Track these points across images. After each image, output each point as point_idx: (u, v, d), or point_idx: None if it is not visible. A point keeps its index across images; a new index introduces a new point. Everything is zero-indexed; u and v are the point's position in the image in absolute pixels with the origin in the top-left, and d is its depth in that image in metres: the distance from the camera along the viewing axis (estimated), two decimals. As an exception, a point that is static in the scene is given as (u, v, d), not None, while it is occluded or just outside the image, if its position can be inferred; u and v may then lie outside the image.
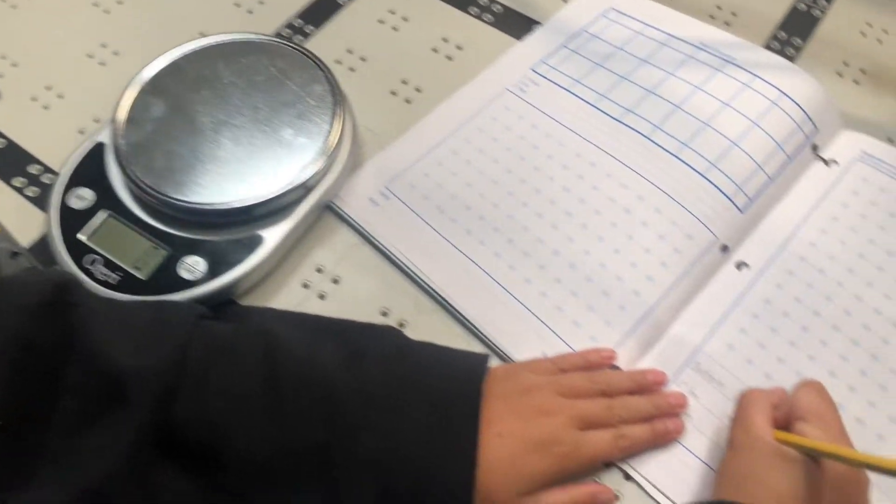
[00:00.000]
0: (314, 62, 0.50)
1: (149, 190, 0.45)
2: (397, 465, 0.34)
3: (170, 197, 0.44)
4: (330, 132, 0.47)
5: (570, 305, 0.43)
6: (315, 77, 0.49)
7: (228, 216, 0.45)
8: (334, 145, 0.47)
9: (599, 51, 0.54)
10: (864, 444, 0.39)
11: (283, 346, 0.37)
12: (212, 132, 0.47)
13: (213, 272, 0.44)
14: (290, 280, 0.47)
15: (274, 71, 0.50)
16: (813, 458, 0.34)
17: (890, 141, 0.52)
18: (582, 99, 0.51)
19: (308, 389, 0.36)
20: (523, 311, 0.43)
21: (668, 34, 0.54)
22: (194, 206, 0.44)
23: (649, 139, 0.48)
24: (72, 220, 0.46)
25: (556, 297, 0.44)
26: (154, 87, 0.49)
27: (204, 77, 0.49)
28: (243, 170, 0.46)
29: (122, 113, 0.47)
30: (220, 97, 0.48)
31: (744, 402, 0.39)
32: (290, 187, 0.45)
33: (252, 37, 0.51)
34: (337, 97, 0.48)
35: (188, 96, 0.48)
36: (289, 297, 0.46)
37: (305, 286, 0.47)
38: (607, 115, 0.50)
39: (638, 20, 0.55)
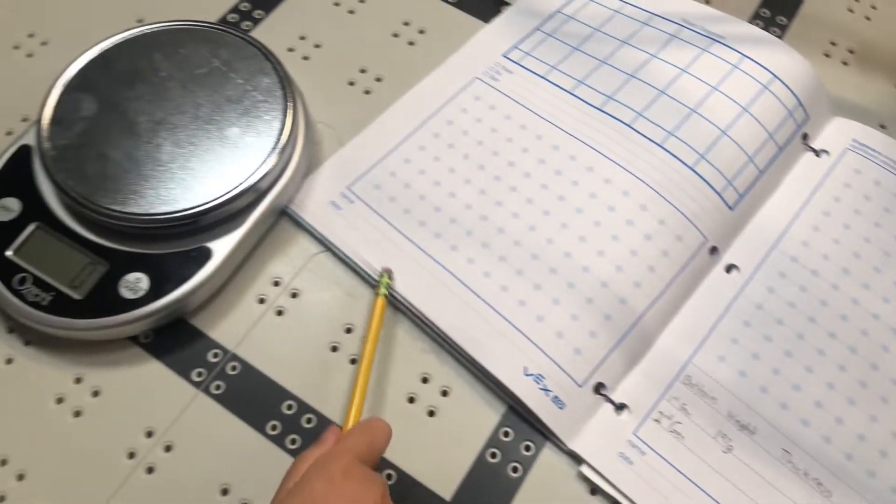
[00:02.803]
0: (261, 51, 0.45)
1: (81, 199, 0.40)
2: None
3: (105, 207, 0.40)
4: (282, 129, 0.42)
5: (552, 314, 0.40)
6: (262, 68, 0.44)
7: (172, 226, 0.40)
8: (286, 143, 0.42)
9: (576, 33, 0.50)
10: (866, 461, 0.36)
11: None
12: (149, 133, 0.42)
13: (157, 289, 0.40)
14: (244, 295, 0.42)
15: (217, 63, 0.45)
16: None
17: (882, 128, 0.49)
18: (559, 86, 0.47)
19: None
20: (500, 321, 0.40)
21: (649, 12, 0.50)
22: (133, 216, 0.40)
23: (632, 128, 0.45)
24: (-4, 234, 0.41)
25: (535, 305, 0.40)
26: (83, 83, 0.44)
27: (138, 70, 0.44)
28: (186, 175, 0.41)
29: (48, 112, 0.42)
30: (157, 93, 0.43)
31: None
32: (238, 192, 0.41)
33: (191, 24, 0.46)
34: (287, 90, 0.44)
35: (121, 92, 0.43)
36: (244, 314, 0.42)
37: (261, 301, 0.42)
38: (587, 103, 0.46)
39: (616, -2, 0.51)
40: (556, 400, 0.38)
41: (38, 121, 0.42)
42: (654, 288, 0.41)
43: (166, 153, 0.41)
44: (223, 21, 0.52)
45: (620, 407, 0.39)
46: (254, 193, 0.42)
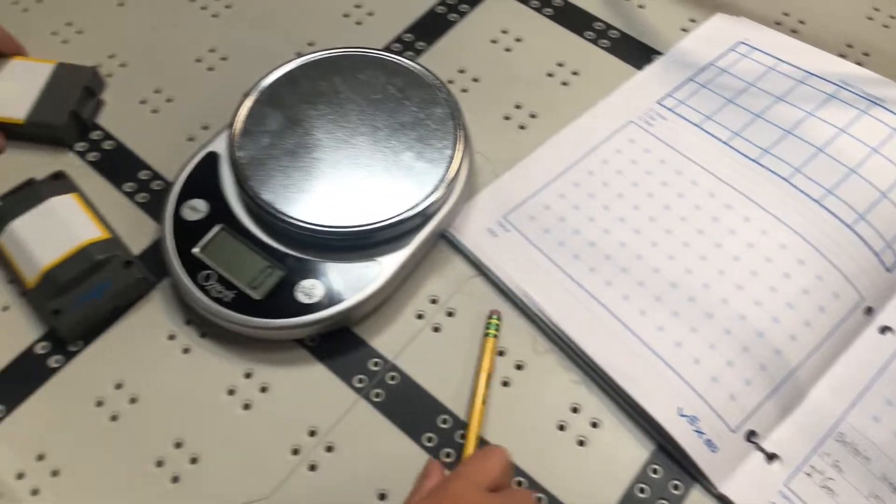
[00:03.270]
0: (434, 82, 0.48)
1: (268, 207, 0.43)
2: None
3: (289, 216, 0.43)
4: (452, 158, 0.45)
5: (708, 358, 0.41)
6: (434, 98, 0.47)
7: (348, 240, 0.43)
8: (455, 172, 0.45)
9: (730, 86, 0.51)
10: None
11: None
12: (331, 150, 0.45)
13: (330, 297, 0.42)
14: (404, 310, 0.45)
15: (392, 89, 0.48)
16: None
17: None
18: (714, 136, 0.49)
19: None
20: (655, 360, 0.41)
21: (805, 71, 0.51)
22: (314, 227, 0.42)
23: (790, 183, 0.46)
24: (185, 232, 0.44)
25: (691, 347, 0.41)
26: (270, 98, 0.47)
27: (320, 91, 0.47)
28: (363, 192, 0.44)
29: (239, 124, 0.46)
30: (339, 113, 0.46)
31: None
32: (410, 213, 0.43)
33: (371, 52, 0.49)
34: (458, 121, 0.46)
35: (305, 110, 0.46)
36: (403, 327, 0.44)
37: (419, 317, 0.45)
38: (742, 154, 0.47)
39: (770, 55, 0.52)
40: (708, 443, 0.39)
41: (230, 131, 0.45)
42: (809, 342, 0.41)
43: (345, 171, 0.44)
44: (387, 50, 0.56)
45: (771, 457, 0.39)
46: (422, 216, 0.44)
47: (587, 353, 0.41)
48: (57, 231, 0.45)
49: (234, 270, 0.43)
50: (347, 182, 0.44)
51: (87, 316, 0.43)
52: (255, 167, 0.44)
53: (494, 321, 0.43)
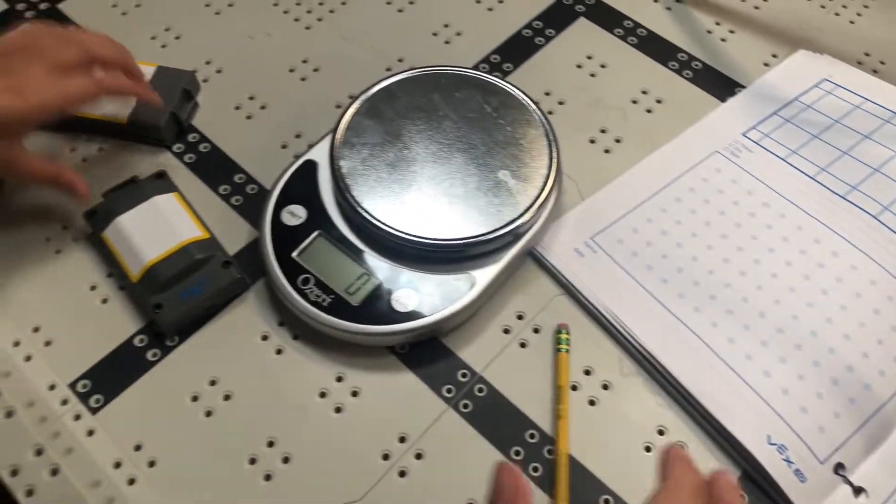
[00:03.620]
0: (528, 104, 0.49)
1: (368, 217, 0.44)
2: None
3: (390, 227, 0.44)
4: (547, 178, 0.46)
5: (797, 389, 0.41)
6: (529, 119, 0.48)
7: (444, 252, 0.44)
8: (548, 191, 0.46)
9: (815, 122, 0.52)
10: None
11: None
12: (428, 164, 0.46)
13: (424, 307, 0.43)
14: (490, 324, 0.46)
15: (488, 108, 0.49)
16: None
17: None
18: (800, 170, 0.49)
19: None
20: (744, 388, 0.41)
21: (892, 111, 0.52)
22: (413, 238, 0.43)
23: (878, 220, 0.46)
24: (283, 236, 0.46)
25: (780, 378, 0.41)
26: (369, 111, 0.49)
27: (419, 106, 0.49)
28: (459, 207, 0.45)
29: (340, 134, 0.47)
30: (436, 129, 0.48)
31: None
32: (505, 230, 0.44)
33: (467, 71, 0.50)
34: (552, 142, 0.47)
35: (403, 124, 0.48)
36: (490, 340, 0.45)
37: (506, 331, 0.45)
38: (829, 189, 0.48)
39: (856, 93, 0.53)
40: (797, 473, 0.39)
41: (332, 141, 0.47)
42: (899, 378, 0.41)
43: (442, 185, 0.45)
44: (475, 70, 0.57)
45: (859, 490, 0.39)
46: (514, 233, 0.45)
47: (676, 377, 0.42)
48: (160, 228, 0.46)
49: (332, 276, 0.44)
50: (444, 196, 0.45)
51: (185, 312, 0.44)
52: (356, 177, 0.46)
53: (564, 335, 0.44)
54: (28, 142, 0.44)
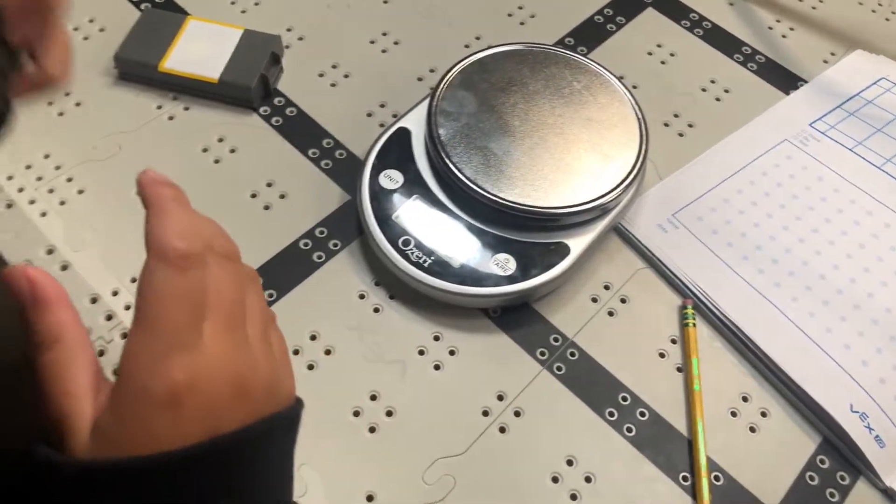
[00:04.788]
0: (616, 83, 0.51)
1: (468, 182, 0.45)
2: None
3: (490, 192, 0.45)
4: (638, 153, 0.48)
5: (875, 360, 0.43)
6: (618, 98, 0.50)
7: (542, 220, 0.45)
8: (639, 167, 0.48)
9: (877, 116, 0.55)
10: None
11: None
12: (522, 136, 0.48)
13: (523, 272, 0.45)
14: (579, 292, 0.47)
15: (577, 86, 0.51)
16: None
17: None
18: (866, 160, 0.52)
19: None
20: (826, 359, 0.44)
21: (948, 110, 0.55)
22: (512, 204, 0.45)
23: (943, 209, 0.49)
24: (382, 199, 0.47)
25: (859, 350, 0.44)
26: (463, 83, 0.50)
27: (511, 80, 0.50)
28: (553, 177, 0.46)
29: (438, 103, 0.49)
30: (529, 103, 0.49)
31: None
32: (597, 202, 0.46)
33: (557, 50, 0.52)
34: (640, 120, 0.49)
35: (497, 97, 0.49)
36: (579, 308, 0.47)
37: (594, 300, 0.47)
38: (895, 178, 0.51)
39: (913, 92, 0.56)
40: (877, 439, 0.42)
41: (431, 110, 0.48)
42: (967, 355, 0.44)
43: (537, 156, 0.47)
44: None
45: (932, 456, 0.42)
46: (604, 206, 0.46)
47: (761, 347, 0.44)
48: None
49: (432, 238, 0.45)
50: (539, 166, 0.46)
51: None
52: (454, 145, 0.47)
53: (690, 311, 0.46)
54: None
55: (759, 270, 0.47)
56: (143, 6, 0.58)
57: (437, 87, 0.49)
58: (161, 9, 0.57)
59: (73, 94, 0.53)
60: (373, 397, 0.43)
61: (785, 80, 0.59)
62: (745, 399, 0.44)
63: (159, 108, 0.52)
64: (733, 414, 0.44)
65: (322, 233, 0.48)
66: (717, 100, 0.57)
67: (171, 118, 0.52)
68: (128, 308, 0.44)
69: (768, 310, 0.46)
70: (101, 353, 0.44)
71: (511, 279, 0.44)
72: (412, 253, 0.45)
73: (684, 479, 0.41)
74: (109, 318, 0.44)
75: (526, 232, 0.46)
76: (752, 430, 0.43)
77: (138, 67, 0.53)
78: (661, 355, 0.45)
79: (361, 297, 0.46)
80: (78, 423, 0.23)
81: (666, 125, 0.55)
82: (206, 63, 0.52)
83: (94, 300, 0.45)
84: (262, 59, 0.53)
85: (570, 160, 0.47)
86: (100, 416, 0.23)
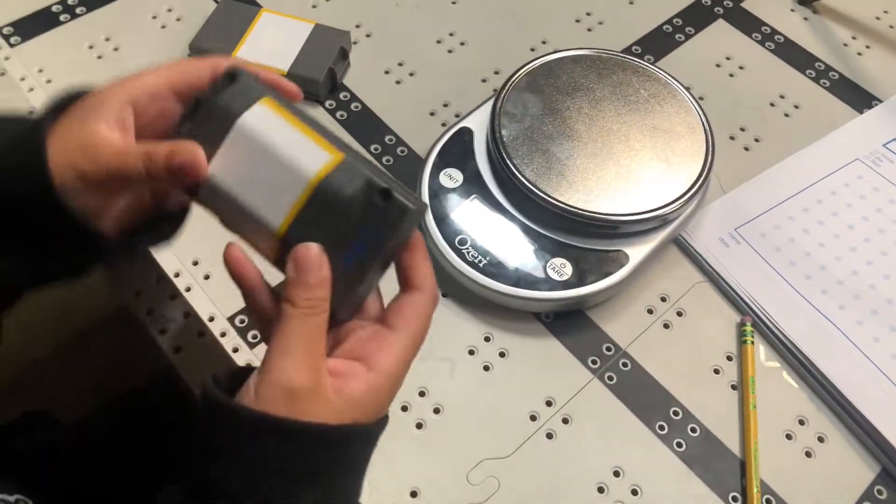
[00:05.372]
0: (685, 94, 0.50)
1: (530, 185, 0.45)
2: None
3: (551, 196, 0.45)
4: (703, 165, 0.47)
5: (943, 394, 0.42)
6: (686, 108, 0.49)
7: (602, 226, 0.45)
8: (703, 178, 0.47)
9: (957, 140, 0.53)
10: None
11: None
12: (586, 141, 0.47)
13: (579, 278, 0.44)
14: (634, 302, 0.47)
15: (644, 94, 0.50)
16: None
17: None
18: (943, 185, 0.50)
19: None
20: (890, 387, 0.42)
21: None
22: (574, 209, 0.44)
23: None
24: (441, 197, 0.47)
25: (925, 381, 0.42)
26: (528, 85, 0.50)
27: (578, 85, 0.50)
28: (615, 184, 0.46)
29: (502, 104, 0.49)
30: (595, 109, 0.49)
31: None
32: (659, 212, 0.45)
33: (623, 56, 0.51)
34: (708, 134, 0.48)
35: (562, 100, 0.49)
36: (634, 318, 0.46)
37: (650, 311, 0.46)
38: (974, 206, 0.49)
39: None
40: (942, 473, 0.40)
41: (495, 111, 0.48)
42: None
43: (600, 162, 0.46)
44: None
45: None
46: (665, 217, 0.46)
47: (821, 369, 0.43)
48: (268, 168, 0.31)
49: (489, 239, 0.45)
50: (602, 172, 0.46)
51: (360, 288, 0.32)
52: (517, 147, 0.47)
53: (749, 328, 0.45)
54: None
55: (822, 291, 0.46)
56: (218, -2, 0.59)
57: (502, 87, 0.49)
58: (236, 1, 0.59)
59: (147, 79, 0.55)
60: (421, 393, 0.43)
61: (859, 98, 0.57)
62: (801, 422, 0.43)
63: (229, 97, 0.54)
64: (788, 437, 0.42)
65: (380, 227, 0.49)
66: (787, 115, 0.56)
67: (239, 107, 0.53)
68: (188, 290, 0.46)
69: (830, 332, 0.44)
70: (163, 332, 0.46)
71: (566, 284, 0.44)
72: (468, 252, 0.45)
73: (734, 499, 0.40)
74: (173, 297, 0.45)
75: (584, 238, 0.46)
76: (808, 454, 0.42)
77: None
78: (716, 371, 0.44)
79: (415, 293, 0.46)
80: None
81: (732, 138, 0.54)
82: (276, 55, 0.53)
83: (159, 279, 0.46)
84: (331, 53, 0.53)
85: (633, 168, 0.46)
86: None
